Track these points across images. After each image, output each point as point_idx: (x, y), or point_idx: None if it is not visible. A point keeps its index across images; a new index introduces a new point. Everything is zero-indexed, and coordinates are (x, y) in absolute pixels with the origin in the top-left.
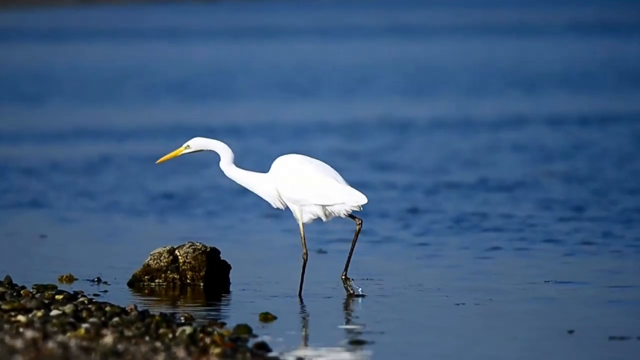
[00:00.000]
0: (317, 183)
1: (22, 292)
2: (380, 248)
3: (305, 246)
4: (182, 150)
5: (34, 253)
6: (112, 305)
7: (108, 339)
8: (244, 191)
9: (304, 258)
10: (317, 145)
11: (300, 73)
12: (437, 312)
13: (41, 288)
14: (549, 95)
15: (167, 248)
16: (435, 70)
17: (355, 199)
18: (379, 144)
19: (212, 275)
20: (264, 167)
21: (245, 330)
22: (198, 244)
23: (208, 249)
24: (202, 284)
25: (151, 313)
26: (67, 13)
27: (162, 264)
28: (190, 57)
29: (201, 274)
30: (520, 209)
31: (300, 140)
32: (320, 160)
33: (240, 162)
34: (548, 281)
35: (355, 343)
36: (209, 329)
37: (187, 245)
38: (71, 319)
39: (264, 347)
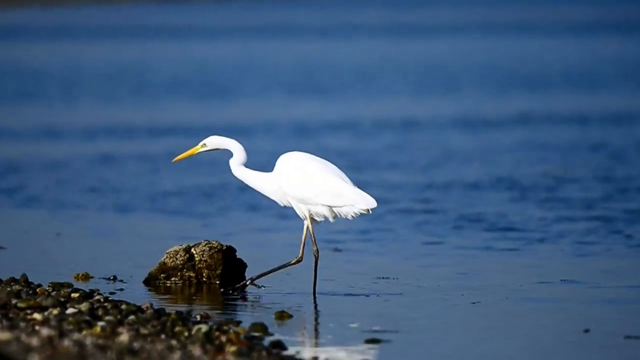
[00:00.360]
0: (320, 181)
1: (38, 290)
2: (390, 247)
3: (316, 244)
4: (198, 148)
5: (49, 251)
6: (128, 304)
7: (124, 337)
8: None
9: (315, 256)
10: (319, 144)
11: (301, 72)
12: (454, 311)
13: (57, 286)
14: (552, 95)
15: (183, 246)
16: (438, 68)
17: (366, 202)
18: (379, 144)
19: (228, 273)
20: (265, 166)
21: (260, 328)
22: (214, 242)
23: (224, 247)
24: (218, 282)
25: (167, 311)
26: (67, 12)
27: (178, 262)
28: (193, 55)
29: (217, 272)
30: (533, 209)
31: (301, 140)
32: (323, 159)
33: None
34: (564, 280)
35: (370, 342)
36: (225, 327)
37: (203, 244)
38: (87, 317)
39: (279, 345)
